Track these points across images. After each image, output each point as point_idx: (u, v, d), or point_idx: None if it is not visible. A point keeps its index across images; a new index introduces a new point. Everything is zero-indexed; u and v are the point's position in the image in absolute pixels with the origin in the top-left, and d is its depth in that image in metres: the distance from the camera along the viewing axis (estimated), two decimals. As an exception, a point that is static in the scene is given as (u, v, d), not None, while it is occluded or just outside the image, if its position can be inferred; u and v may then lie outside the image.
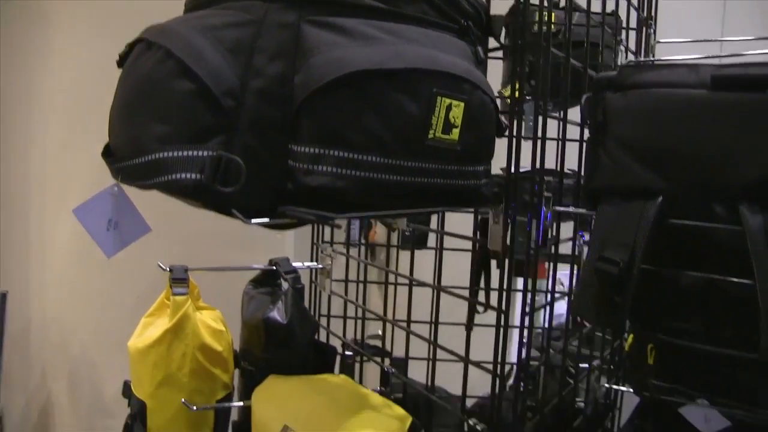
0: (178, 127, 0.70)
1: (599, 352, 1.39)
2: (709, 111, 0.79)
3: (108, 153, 0.81)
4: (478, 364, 1.01)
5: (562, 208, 1.00)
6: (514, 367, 1.44)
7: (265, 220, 0.74)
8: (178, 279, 1.20)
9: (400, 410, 0.97)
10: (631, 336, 1.26)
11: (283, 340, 1.21)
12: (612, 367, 1.46)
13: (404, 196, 0.78)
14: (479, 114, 0.81)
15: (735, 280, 0.89)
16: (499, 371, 0.97)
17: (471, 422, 0.98)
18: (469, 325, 1.47)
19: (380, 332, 1.42)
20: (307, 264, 1.38)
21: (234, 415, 1.29)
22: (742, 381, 1.18)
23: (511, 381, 1.33)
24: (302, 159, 0.71)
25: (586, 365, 1.38)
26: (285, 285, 1.30)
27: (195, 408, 1.14)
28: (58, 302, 2.35)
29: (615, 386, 1.27)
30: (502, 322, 0.96)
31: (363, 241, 1.54)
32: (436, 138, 0.77)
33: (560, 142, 1.07)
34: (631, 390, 1.26)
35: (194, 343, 1.18)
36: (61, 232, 2.30)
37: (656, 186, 0.84)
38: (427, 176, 0.78)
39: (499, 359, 0.97)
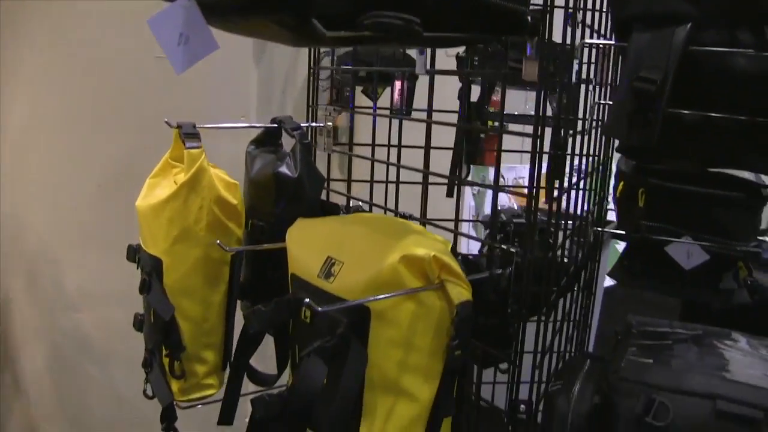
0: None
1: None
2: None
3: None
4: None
5: (591, 41, 1.05)
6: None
7: (341, 33, 0.75)
8: (190, 134, 1.18)
9: (438, 236, 1.01)
10: (621, 183, 1.35)
11: (294, 194, 1.23)
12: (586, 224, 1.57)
13: (467, 13, 0.81)
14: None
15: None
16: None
17: (504, 246, 1.04)
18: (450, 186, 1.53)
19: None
20: (307, 124, 1.38)
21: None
22: (722, 218, 1.30)
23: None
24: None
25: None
26: (285, 146, 1.32)
27: (227, 249, 1.15)
28: (11, 196, 2.26)
29: (607, 230, 1.36)
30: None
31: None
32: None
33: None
34: (622, 232, 1.36)
35: (210, 196, 1.18)
36: (14, 121, 2.19)
37: (686, 12, 0.91)
38: None
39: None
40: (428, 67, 1.18)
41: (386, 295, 0.90)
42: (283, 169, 1.24)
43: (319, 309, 0.85)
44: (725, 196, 1.26)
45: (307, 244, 1.05)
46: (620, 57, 1.04)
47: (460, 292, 0.93)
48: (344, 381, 0.90)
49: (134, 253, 1.29)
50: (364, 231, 1.01)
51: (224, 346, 1.28)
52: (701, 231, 1.28)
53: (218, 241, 1.14)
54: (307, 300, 0.86)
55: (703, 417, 0.95)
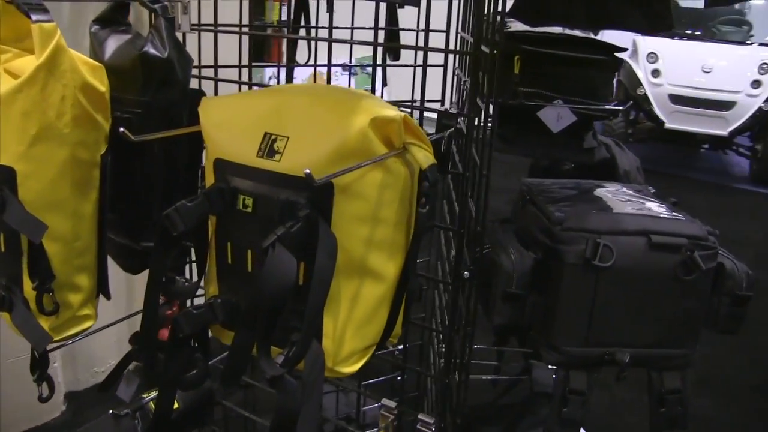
0: None
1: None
2: None
3: None
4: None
5: None
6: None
7: None
8: (32, 4, 0.92)
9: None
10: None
11: (164, 77, 1.05)
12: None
13: None
14: None
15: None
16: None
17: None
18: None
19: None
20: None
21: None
22: (589, 79, 1.36)
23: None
24: None
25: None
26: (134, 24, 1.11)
27: (133, 138, 0.94)
28: None
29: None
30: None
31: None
32: None
33: None
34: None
35: (75, 82, 0.94)
36: None
37: None
38: None
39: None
40: None
41: (366, 162, 0.80)
42: (150, 48, 1.04)
43: (317, 180, 0.72)
44: (593, 58, 1.32)
45: (231, 123, 0.89)
46: None
47: (426, 156, 0.86)
48: (318, 269, 0.80)
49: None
50: (305, 100, 0.88)
51: (98, 268, 1.07)
52: (570, 93, 1.33)
53: (122, 129, 0.93)
54: (307, 170, 0.72)
55: (640, 252, 1.01)
